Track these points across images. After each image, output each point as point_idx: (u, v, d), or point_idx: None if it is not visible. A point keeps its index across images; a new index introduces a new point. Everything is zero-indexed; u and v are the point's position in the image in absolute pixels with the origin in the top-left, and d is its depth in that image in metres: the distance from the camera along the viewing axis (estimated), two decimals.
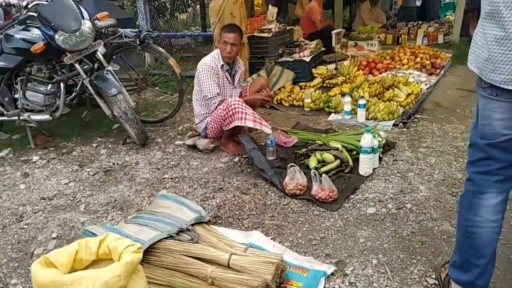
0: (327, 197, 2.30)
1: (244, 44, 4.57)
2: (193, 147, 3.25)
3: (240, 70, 3.23)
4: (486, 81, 1.27)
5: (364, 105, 3.63)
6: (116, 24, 3.60)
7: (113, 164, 3.08)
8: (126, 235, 1.69)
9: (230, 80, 3.16)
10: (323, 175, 2.35)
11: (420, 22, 8.65)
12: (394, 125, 3.53)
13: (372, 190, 2.45)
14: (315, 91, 4.36)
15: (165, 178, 2.80)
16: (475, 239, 1.38)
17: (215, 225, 2.11)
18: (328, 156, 2.76)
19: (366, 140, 2.55)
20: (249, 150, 2.74)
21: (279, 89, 4.60)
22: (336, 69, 5.09)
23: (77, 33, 2.91)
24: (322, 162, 2.77)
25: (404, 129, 3.42)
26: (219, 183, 2.66)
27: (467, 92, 4.43)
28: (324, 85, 4.71)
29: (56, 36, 2.87)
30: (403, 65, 5.02)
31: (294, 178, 2.43)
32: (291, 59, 4.81)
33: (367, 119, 3.71)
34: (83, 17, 2.99)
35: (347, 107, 3.78)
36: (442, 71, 5.01)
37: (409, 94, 3.95)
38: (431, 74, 4.85)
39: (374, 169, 2.70)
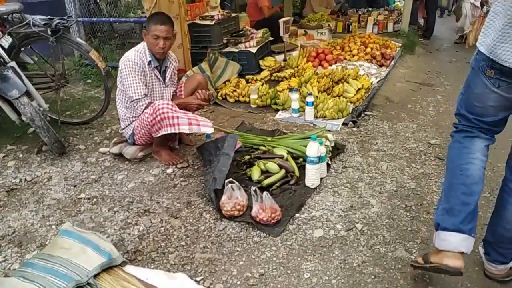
0: (269, 218, 2.00)
1: (185, 34, 4.12)
2: (120, 155, 2.81)
3: (171, 65, 2.81)
4: (498, 61, 1.32)
5: (312, 102, 3.35)
6: (22, 9, 3.02)
7: (20, 180, 2.57)
8: None
9: (160, 78, 2.73)
10: (264, 193, 2.03)
11: (370, 9, 8.56)
12: (343, 123, 3.29)
13: (320, 206, 2.17)
14: (262, 85, 4.03)
15: (81, 198, 2.35)
16: (468, 176, 1.47)
17: (133, 265, 1.73)
18: (272, 165, 2.45)
19: (312, 149, 2.27)
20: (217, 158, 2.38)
21: (224, 82, 4.22)
22: (284, 60, 4.78)
23: None
24: (266, 173, 2.46)
25: (354, 129, 3.19)
26: (146, 203, 2.27)
27: (417, 85, 4.32)
28: (272, 78, 4.39)
29: None
30: (353, 56, 4.81)
31: (232, 197, 2.09)
32: (237, 50, 4.42)
33: (315, 117, 3.45)
34: None
35: (295, 105, 3.49)
36: (392, 62, 4.87)
37: (359, 89, 3.73)
38: (381, 65, 4.69)
39: (322, 178, 2.44)
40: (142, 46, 2.63)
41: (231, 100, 3.96)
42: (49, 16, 2.90)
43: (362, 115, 3.47)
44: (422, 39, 7.21)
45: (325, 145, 2.61)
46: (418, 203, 2.18)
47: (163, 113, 2.42)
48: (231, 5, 5.98)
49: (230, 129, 3.22)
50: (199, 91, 2.65)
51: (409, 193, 2.28)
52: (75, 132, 3.33)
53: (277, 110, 3.68)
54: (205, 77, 3.04)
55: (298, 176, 2.43)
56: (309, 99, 3.35)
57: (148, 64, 2.62)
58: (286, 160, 2.55)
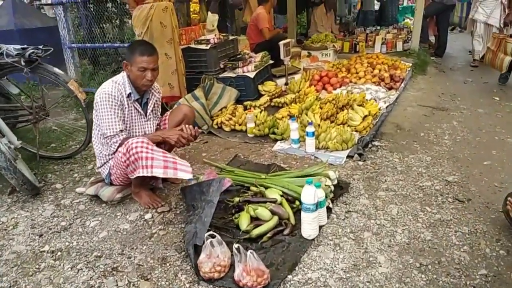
0: (254, 283, 1.66)
1: (179, 59, 3.89)
2: (97, 197, 2.52)
3: (154, 97, 2.54)
4: None
5: (313, 133, 3.03)
6: None
7: None
8: None
9: (141, 112, 2.46)
10: (249, 252, 1.70)
11: (378, 27, 8.29)
12: (348, 156, 2.96)
13: (317, 265, 1.83)
14: (260, 112, 3.74)
15: (44, 251, 2.05)
16: None
17: None
18: (263, 212, 2.12)
19: (308, 195, 1.94)
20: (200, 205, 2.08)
21: (220, 110, 3.94)
22: (286, 84, 4.50)
23: None
24: (256, 220, 2.13)
25: (360, 162, 2.85)
26: (115, 259, 1.95)
27: (431, 109, 3.96)
28: (272, 104, 4.10)
29: None
30: (360, 78, 4.50)
31: (212, 256, 1.77)
32: (234, 75, 4.16)
33: (317, 148, 3.12)
34: None
35: (294, 135, 3.17)
36: (402, 84, 4.53)
37: (365, 116, 3.40)
38: (390, 88, 4.36)
39: (321, 226, 2.10)
40: (121, 77, 2.37)
41: (227, 129, 3.67)
42: (22, 46, 2.68)
43: (369, 145, 3.13)
44: (434, 58, 6.87)
45: (325, 185, 2.28)
46: (435, 261, 1.81)
47: (136, 152, 2.14)
48: (231, 27, 5.77)
49: (222, 163, 2.93)
50: (185, 126, 2.35)
51: (424, 246, 1.92)
52: (55, 167, 3.07)
53: (275, 140, 3.37)
54: (192, 110, 2.76)
55: (293, 224, 2.10)
56: (309, 129, 3.03)
57: (128, 97, 2.35)
58: (280, 204, 2.22)
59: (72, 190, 2.70)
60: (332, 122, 3.49)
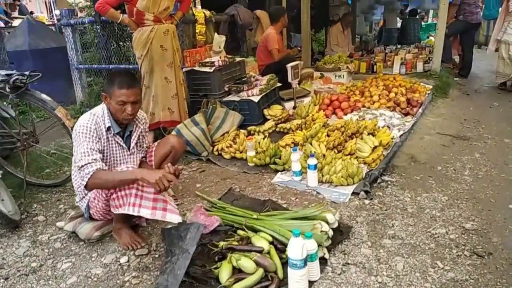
0: None
1: (180, 83, 3.74)
2: (76, 234, 2.34)
3: (138, 128, 2.35)
4: None
5: (315, 166, 2.77)
6: None
7: None
8: None
9: (124, 145, 2.27)
10: None
11: (399, 46, 7.98)
12: (354, 193, 2.67)
13: None
14: (264, 138, 3.52)
15: None
16: None
17: None
18: (246, 263, 1.86)
19: (295, 250, 1.68)
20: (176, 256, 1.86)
21: (222, 135, 3.74)
22: (294, 108, 4.26)
23: None
24: (239, 273, 1.87)
25: (366, 201, 2.56)
26: None
27: (451, 138, 3.62)
28: (277, 130, 3.86)
29: None
30: (374, 103, 4.21)
31: None
32: (238, 99, 3.97)
33: (321, 182, 2.86)
34: None
35: (296, 167, 2.92)
36: (420, 110, 4.21)
37: (375, 147, 3.10)
38: (406, 114, 4.05)
39: (313, 282, 1.82)
40: (100, 109, 2.21)
41: (227, 156, 3.46)
42: (6, 72, 2.58)
43: (379, 180, 2.84)
44: (458, 79, 6.49)
45: (321, 232, 2.01)
46: None
47: (129, 188, 1.96)
48: (242, 47, 5.62)
49: (215, 197, 2.71)
50: (167, 166, 2.13)
51: None
52: (43, 196, 2.94)
53: (276, 171, 3.13)
54: (181, 141, 2.55)
55: (280, 279, 1.83)
56: (311, 161, 2.77)
57: (108, 130, 2.18)
58: (268, 253, 1.96)
59: (53, 223, 2.53)
60: (339, 151, 3.22)
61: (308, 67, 5.82)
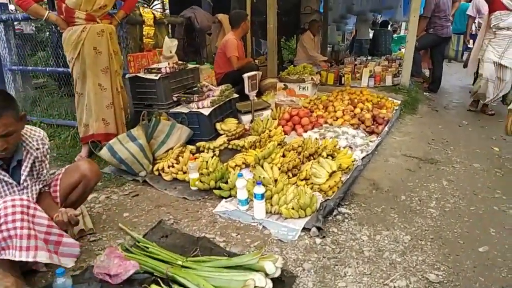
0: None
1: (117, 90, 3.28)
2: None
3: (31, 155, 1.86)
4: None
5: (262, 195, 2.37)
6: None
7: None
8: None
9: (10, 180, 1.79)
10: None
11: (370, 57, 7.78)
12: (305, 228, 2.29)
13: None
14: (213, 157, 3.09)
15: None
16: None
17: None
18: None
19: None
20: None
21: (167, 151, 3.30)
22: (252, 122, 3.87)
23: None
24: None
25: (318, 240, 2.18)
26: None
27: (417, 161, 3.31)
28: (230, 146, 3.45)
29: None
30: (337, 119, 3.88)
31: None
32: (187, 110, 3.54)
33: (270, 212, 2.46)
34: None
35: (241, 195, 2.51)
36: (386, 128, 3.90)
37: (333, 172, 2.74)
38: (371, 132, 3.73)
39: None
40: None
41: (167, 177, 3.01)
42: None
43: (335, 212, 2.47)
44: (427, 93, 6.30)
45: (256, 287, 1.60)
46: None
47: (13, 221, 1.49)
48: (202, 53, 5.20)
49: (142, 231, 2.26)
50: (61, 211, 1.68)
51: None
52: None
53: (221, 197, 2.71)
54: (95, 168, 2.09)
55: None
56: (257, 190, 2.37)
57: None
58: None
59: None
60: (294, 175, 2.84)
61: (273, 77, 5.46)
